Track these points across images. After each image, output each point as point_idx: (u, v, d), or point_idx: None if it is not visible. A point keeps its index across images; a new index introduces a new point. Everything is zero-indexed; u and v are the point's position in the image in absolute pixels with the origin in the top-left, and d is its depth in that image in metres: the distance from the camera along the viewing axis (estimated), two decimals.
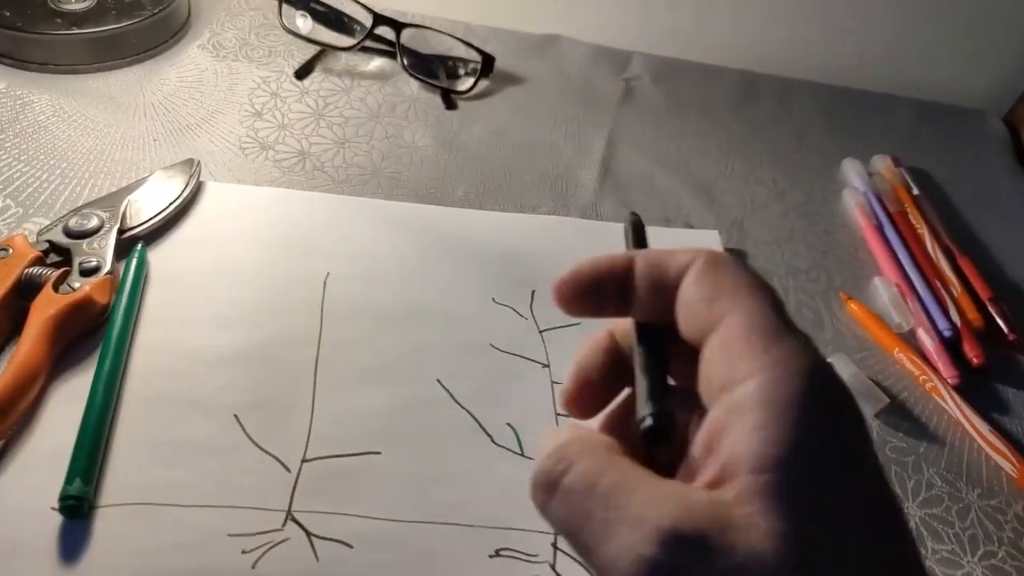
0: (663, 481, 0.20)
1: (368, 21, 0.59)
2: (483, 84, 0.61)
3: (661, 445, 0.20)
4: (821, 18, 0.69)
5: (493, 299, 0.44)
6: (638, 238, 0.28)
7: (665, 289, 0.23)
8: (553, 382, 0.41)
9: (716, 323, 0.21)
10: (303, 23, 0.60)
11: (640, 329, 0.23)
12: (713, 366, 0.21)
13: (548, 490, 0.20)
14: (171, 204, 0.46)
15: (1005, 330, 0.49)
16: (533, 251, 0.48)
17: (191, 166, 0.48)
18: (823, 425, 0.19)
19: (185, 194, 0.46)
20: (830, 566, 0.18)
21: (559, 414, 0.40)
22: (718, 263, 0.22)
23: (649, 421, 0.20)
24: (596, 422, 0.25)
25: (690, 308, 0.22)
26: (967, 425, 0.43)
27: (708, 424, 0.20)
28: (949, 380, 0.45)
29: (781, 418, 0.18)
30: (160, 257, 0.43)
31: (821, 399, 0.19)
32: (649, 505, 0.19)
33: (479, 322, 0.43)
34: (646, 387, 0.21)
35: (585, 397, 0.25)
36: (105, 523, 0.32)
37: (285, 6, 0.60)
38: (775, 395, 0.19)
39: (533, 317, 0.44)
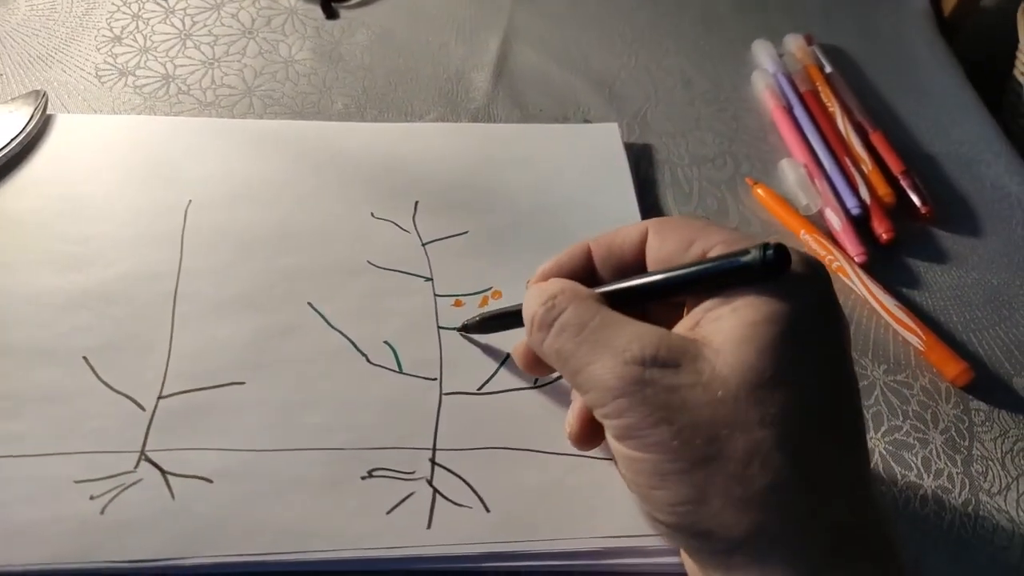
0: (645, 324, 0.24)
1: None
2: None
3: (780, 269, 0.23)
4: None
5: (372, 214, 0.42)
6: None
7: (625, 265, 0.28)
8: (436, 295, 0.39)
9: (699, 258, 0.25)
10: None
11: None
12: None
13: (544, 328, 0.26)
14: (14, 140, 0.42)
15: (918, 203, 0.47)
16: (416, 161, 0.45)
17: (36, 98, 0.44)
18: (799, 314, 0.23)
19: (29, 129, 0.43)
20: (780, 400, 0.22)
21: (441, 327, 0.37)
22: (669, 220, 0.27)
23: (771, 252, 0.23)
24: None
25: (667, 262, 0.26)
26: (873, 302, 0.42)
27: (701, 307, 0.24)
28: (856, 258, 0.43)
29: (764, 301, 0.23)
30: (2, 199, 0.40)
31: (798, 301, 0.23)
32: (632, 338, 0.23)
33: (356, 239, 0.40)
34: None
35: (587, 435, 0.29)
36: None
37: None
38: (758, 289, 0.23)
39: (416, 230, 0.41)
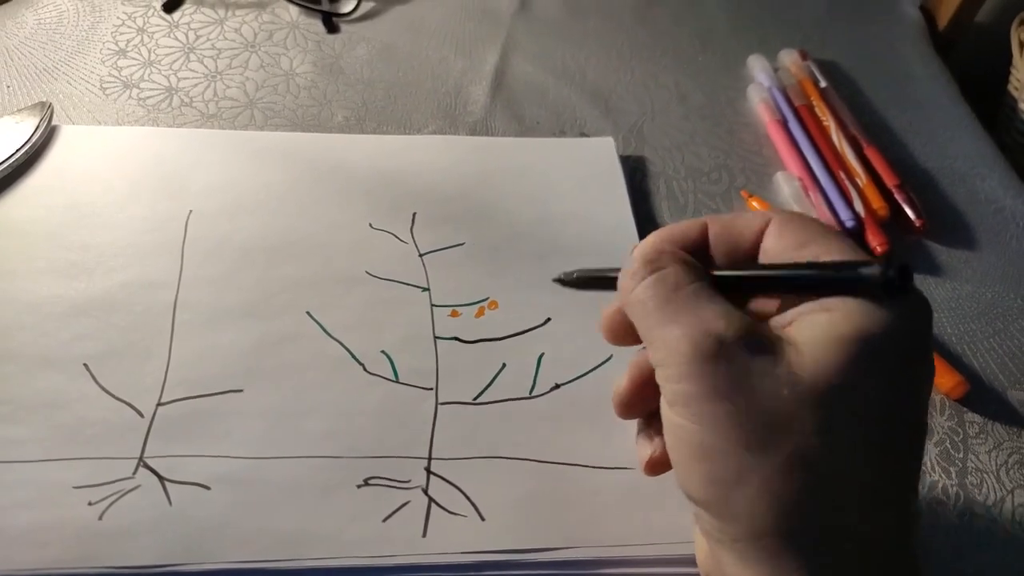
0: (737, 310, 0.24)
1: None
2: (367, 5, 0.58)
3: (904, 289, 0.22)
4: None
5: (370, 225, 0.42)
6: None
7: (739, 251, 0.26)
8: (433, 305, 0.39)
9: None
10: None
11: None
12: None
13: (639, 277, 0.25)
14: (18, 151, 0.42)
15: (912, 216, 0.48)
16: (414, 173, 0.45)
17: (42, 109, 0.45)
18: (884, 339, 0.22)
19: (34, 139, 0.43)
20: (843, 418, 0.22)
21: (437, 337, 0.38)
22: (793, 218, 0.26)
23: (894, 270, 0.22)
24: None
25: (778, 258, 0.25)
26: None
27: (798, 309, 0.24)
28: None
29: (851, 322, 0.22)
30: (6, 207, 0.41)
31: (894, 343, 0.23)
32: (721, 314, 0.23)
33: (353, 250, 0.41)
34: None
35: (633, 399, 0.29)
36: None
37: None
38: (849, 308, 0.23)
39: (414, 241, 0.42)
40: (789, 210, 0.25)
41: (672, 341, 0.23)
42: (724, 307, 0.24)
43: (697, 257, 0.26)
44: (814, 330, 0.23)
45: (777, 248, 0.25)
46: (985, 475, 0.37)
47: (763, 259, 0.26)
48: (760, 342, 0.23)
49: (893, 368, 0.23)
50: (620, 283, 0.26)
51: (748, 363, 0.22)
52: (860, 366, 0.22)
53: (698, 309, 0.24)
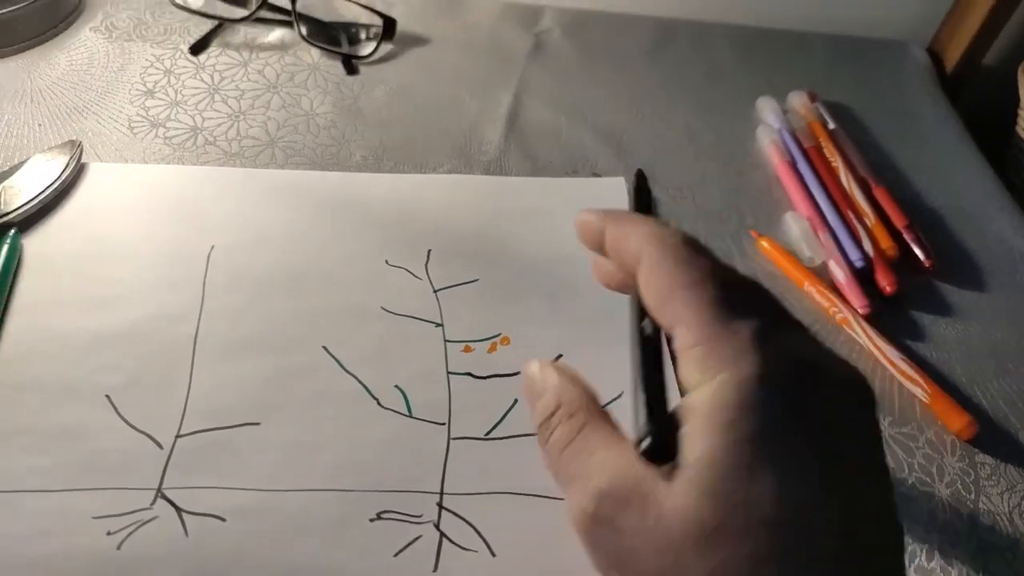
0: (616, 447, 0.23)
1: None
2: (386, 48, 0.60)
3: (659, 461, 0.21)
4: None
5: (386, 261, 0.43)
6: (639, 200, 0.31)
7: (631, 274, 0.25)
8: (446, 340, 0.40)
9: (671, 330, 0.23)
10: None
11: (639, 332, 0.25)
12: (679, 375, 0.23)
13: (541, 444, 0.25)
14: (49, 187, 0.44)
15: (921, 257, 0.48)
16: (430, 211, 0.46)
17: (72, 148, 0.46)
18: (755, 430, 0.20)
19: (64, 176, 0.45)
20: (737, 561, 0.19)
21: (450, 372, 0.38)
22: (657, 266, 0.24)
23: (647, 443, 0.21)
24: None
25: (647, 306, 0.24)
26: (878, 354, 0.43)
27: (678, 411, 0.22)
28: (859, 310, 0.44)
29: (715, 423, 0.20)
30: (37, 241, 0.42)
31: (755, 404, 0.20)
32: (598, 468, 0.22)
33: (370, 285, 0.42)
34: (644, 403, 0.22)
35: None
36: None
37: None
38: (706, 409, 0.21)
39: (428, 277, 0.43)
40: (661, 246, 0.24)
41: (568, 509, 0.23)
42: (602, 456, 0.23)
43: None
44: (697, 404, 0.21)
45: (646, 298, 0.24)
46: (998, 517, 0.37)
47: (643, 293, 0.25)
48: (628, 493, 0.21)
49: (802, 470, 0.20)
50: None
51: (623, 520, 0.21)
52: (742, 473, 0.20)
53: (582, 467, 0.23)
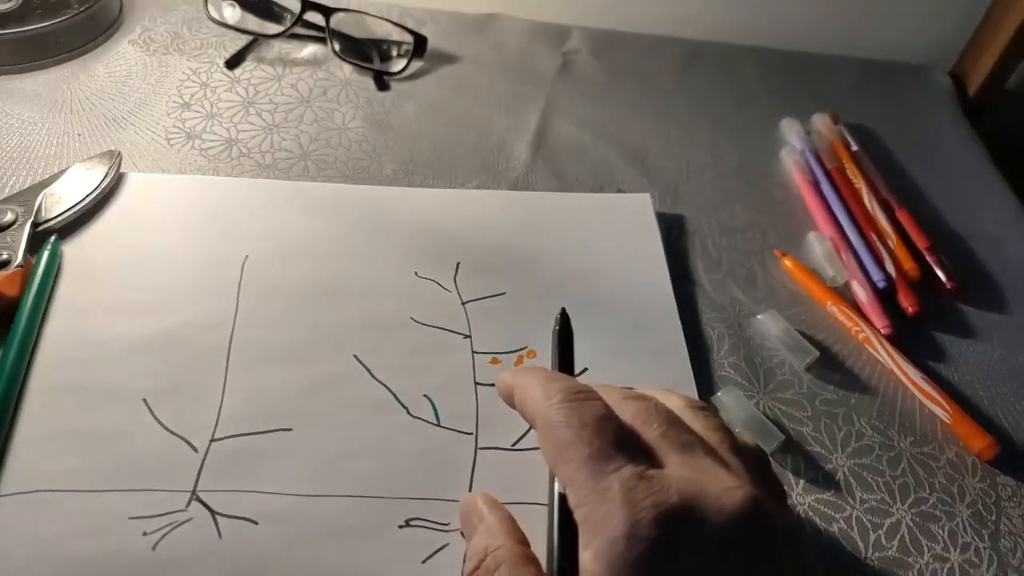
0: None
1: (297, 7, 0.58)
2: (416, 65, 0.61)
3: None
4: None
5: (416, 273, 0.44)
6: (561, 341, 0.34)
7: None
8: (474, 352, 0.41)
9: (564, 489, 0.26)
10: (231, 13, 0.60)
11: (553, 489, 0.27)
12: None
13: None
14: (88, 196, 0.45)
15: (943, 278, 0.49)
16: (459, 225, 0.47)
17: (111, 158, 0.48)
18: None
19: (103, 185, 0.46)
20: None
21: (478, 383, 0.39)
22: (543, 427, 0.27)
23: None
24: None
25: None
26: (900, 374, 0.43)
27: None
28: (882, 330, 0.45)
29: None
30: (76, 248, 0.43)
31: (629, 562, 0.22)
32: None
33: (400, 297, 0.43)
34: (556, 561, 0.25)
35: None
36: (2, 511, 0.32)
37: None
38: (595, 568, 0.23)
39: (457, 289, 0.44)
40: (545, 409, 0.26)
41: None
42: None
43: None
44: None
45: (545, 459, 0.27)
46: (1019, 538, 0.37)
47: None
48: None
49: None
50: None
51: None
52: None
53: None
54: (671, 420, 0.27)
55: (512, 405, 0.30)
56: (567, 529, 0.25)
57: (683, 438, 0.26)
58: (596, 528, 0.23)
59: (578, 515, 0.24)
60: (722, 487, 0.24)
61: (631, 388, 0.30)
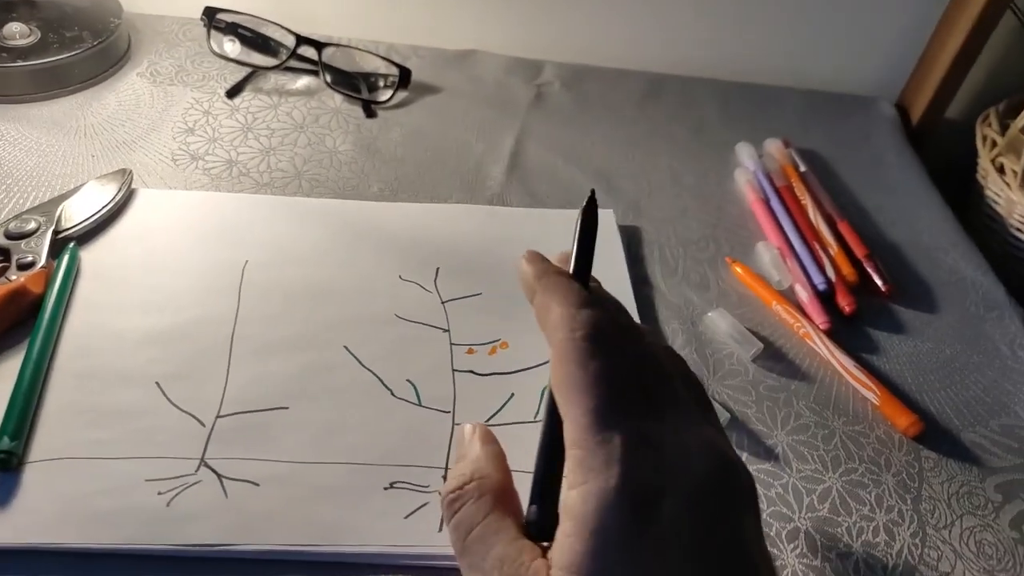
0: (512, 544, 0.25)
1: (291, 43, 0.64)
2: (402, 95, 0.66)
3: (542, 540, 0.25)
4: (720, 21, 0.75)
5: (400, 276, 0.49)
6: (585, 224, 0.31)
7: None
8: (452, 343, 0.45)
9: (563, 417, 0.25)
10: (231, 47, 0.65)
11: (550, 409, 0.26)
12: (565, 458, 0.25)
13: (447, 517, 0.27)
14: (103, 208, 0.50)
15: (879, 283, 0.54)
16: (439, 235, 0.52)
17: (124, 175, 0.53)
18: (616, 538, 0.23)
19: (117, 199, 0.51)
20: None
21: (455, 370, 0.44)
22: (559, 355, 0.26)
23: (533, 517, 0.25)
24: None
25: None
26: (835, 363, 0.48)
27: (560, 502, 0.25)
28: (820, 325, 0.50)
29: (583, 529, 0.23)
30: (93, 254, 0.48)
31: (617, 513, 0.23)
32: (493, 563, 0.24)
33: (386, 297, 0.47)
34: (539, 481, 0.26)
35: None
36: (33, 475, 0.36)
37: (214, 32, 0.65)
38: (575, 511, 0.23)
39: (437, 290, 0.48)
40: (567, 339, 0.26)
41: None
42: (500, 550, 0.25)
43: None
44: (566, 509, 0.24)
45: (551, 380, 0.26)
46: (938, 502, 0.42)
47: None
48: None
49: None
50: (441, 503, 0.28)
51: None
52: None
53: (480, 559, 0.25)
54: (675, 370, 0.28)
55: (529, 299, 0.30)
56: (554, 454, 0.26)
57: (680, 394, 0.27)
58: (589, 472, 0.23)
59: (573, 453, 0.24)
60: (706, 442, 0.25)
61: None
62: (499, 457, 0.29)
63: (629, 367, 0.26)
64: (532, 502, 0.26)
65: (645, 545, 0.23)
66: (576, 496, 0.23)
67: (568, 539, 0.23)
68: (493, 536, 0.25)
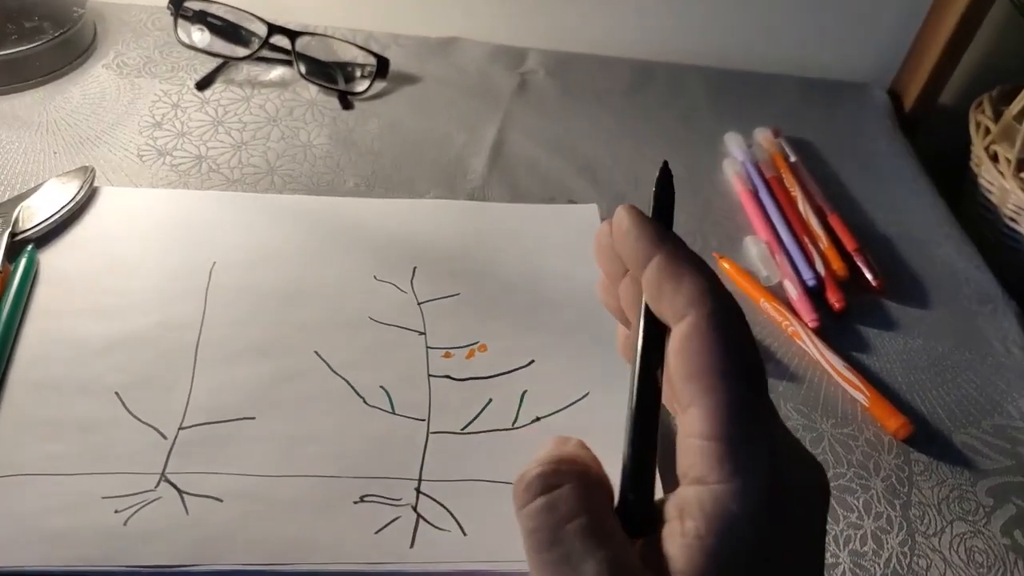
0: (628, 550, 0.21)
1: (264, 32, 0.62)
2: (380, 85, 0.64)
3: (637, 534, 0.21)
4: (710, 6, 0.72)
5: (375, 277, 0.47)
6: (659, 202, 0.27)
7: (663, 325, 0.23)
8: (428, 347, 0.43)
9: (687, 405, 0.22)
10: (200, 36, 0.63)
11: (642, 389, 0.23)
12: (680, 451, 0.22)
13: (533, 489, 0.22)
14: (64, 208, 0.48)
15: (869, 277, 0.52)
16: (416, 232, 0.50)
17: (85, 173, 0.50)
18: (752, 548, 0.20)
19: (78, 198, 0.49)
20: None
21: (431, 375, 0.42)
22: (701, 334, 0.22)
23: (630, 510, 0.22)
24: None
25: (671, 374, 0.22)
26: (824, 363, 0.46)
27: (673, 498, 0.22)
28: (809, 324, 0.48)
29: (715, 534, 0.20)
30: (53, 256, 0.46)
31: (754, 524, 0.20)
32: (601, 567, 0.20)
33: (360, 298, 0.46)
34: (630, 471, 0.22)
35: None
36: None
37: (181, 20, 0.62)
38: (716, 511, 0.20)
39: (413, 291, 0.47)
40: (712, 317, 0.22)
41: None
42: (597, 558, 0.20)
43: None
44: (674, 537, 0.21)
45: (673, 363, 0.22)
46: (927, 508, 0.40)
47: (666, 369, 0.23)
48: None
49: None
50: (514, 489, 0.22)
51: None
52: None
53: (573, 563, 0.20)
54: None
55: (614, 264, 0.27)
56: (647, 441, 0.22)
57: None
58: (737, 472, 0.20)
59: (708, 447, 0.21)
60: (809, 458, 0.23)
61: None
62: (596, 461, 0.24)
63: (759, 361, 0.22)
64: (624, 494, 0.22)
65: (779, 551, 0.21)
66: (711, 494, 0.20)
67: (699, 541, 0.20)
68: (602, 533, 0.21)
